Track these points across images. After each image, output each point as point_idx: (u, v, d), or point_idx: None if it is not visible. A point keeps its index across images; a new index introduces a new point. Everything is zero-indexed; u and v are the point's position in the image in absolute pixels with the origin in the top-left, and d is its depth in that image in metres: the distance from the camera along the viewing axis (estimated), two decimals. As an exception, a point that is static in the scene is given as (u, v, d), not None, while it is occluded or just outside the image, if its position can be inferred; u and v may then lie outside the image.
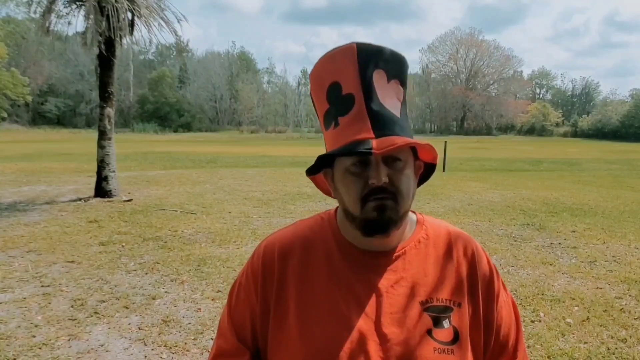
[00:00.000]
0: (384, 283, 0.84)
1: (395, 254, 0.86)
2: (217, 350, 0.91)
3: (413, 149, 0.85)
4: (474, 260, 0.89)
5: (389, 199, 0.78)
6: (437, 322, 0.83)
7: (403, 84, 0.84)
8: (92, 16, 7.67)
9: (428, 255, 0.88)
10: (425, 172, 0.90)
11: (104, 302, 3.74)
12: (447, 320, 0.83)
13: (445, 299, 0.85)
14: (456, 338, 0.83)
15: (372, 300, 0.83)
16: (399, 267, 0.85)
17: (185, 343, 3.11)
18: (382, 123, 0.78)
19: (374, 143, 0.75)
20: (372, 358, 0.79)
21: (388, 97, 0.80)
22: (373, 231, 0.80)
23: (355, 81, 0.79)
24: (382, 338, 0.80)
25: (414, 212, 0.92)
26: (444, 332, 0.82)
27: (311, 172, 0.88)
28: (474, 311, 0.87)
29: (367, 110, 0.78)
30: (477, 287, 0.88)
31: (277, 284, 0.86)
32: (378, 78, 0.80)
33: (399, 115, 0.81)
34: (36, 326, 3.28)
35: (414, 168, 0.85)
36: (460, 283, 0.87)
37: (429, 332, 0.81)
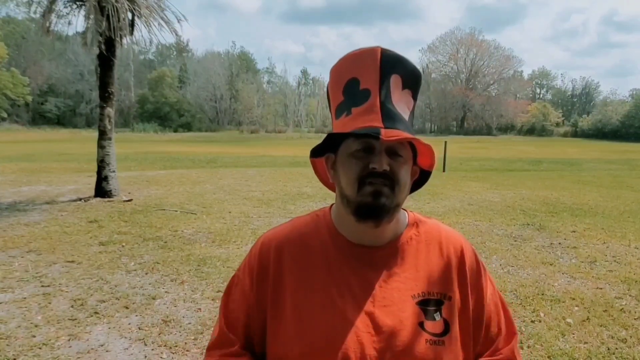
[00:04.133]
0: (377, 277, 0.87)
1: (388, 250, 0.90)
2: (211, 342, 0.95)
3: (413, 154, 0.88)
4: (462, 256, 0.93)
5: (386, 185, 0.82)
6: (428, 315, 0.86)
7: (414, 96, 0.89)
8: (92, 16, 7.67)
9: (419, 251, 0.91)
10: (420, 179, 0.94)
11: (104, 302, 3.74)
12: (438, 313, 0.87)
13: (436, 293, 0.88)
14: (447, 330, 0.86)
15: (367, 294, 0.86)
16: (392, 262, 0.89)
17: (185, 343, 3.11)
18: (391, 118, 0.82)
19: (382, 131, 0.79)
20: (366, 350, 0.82)
21: (400, 102, 0.85)
22: (366, 215, 0.83)
23: (374, 79, 0.84)
24: (376, 330, 0.83)
25: (406, 211, 0.96)
26: (435, 324, 0.86)
27: (315, 153, 0.91)
28: (463, 304, 0.90)
29: (380, 105, 0.82)
30: (466, 281, 0.91)
31: (273, 280, 0.89)
32: (395, 82, 0.85)
33: (406, 120, 0.85)
34: (36, 326, 3.28)
35: (411, 171, 0.88)
36: (450, 277, 0.90)
37: (421, 324, 0.85)
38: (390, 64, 0.84)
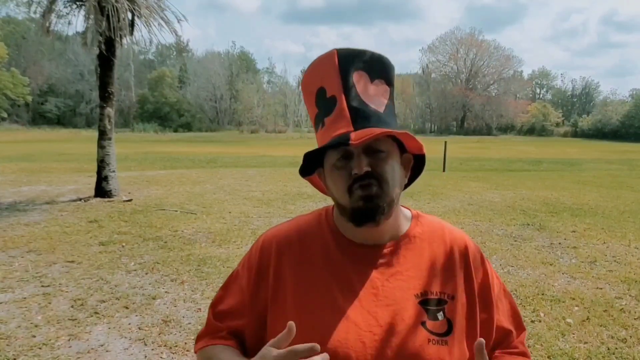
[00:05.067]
0: (379, 276, 0.87)
1: (390, 248, 0.89)
2: (199, 333, 0.98)
3: (399, 143, 0.87)
4: (467, 253, 0.92)
5: (373, 185, 0.81)
6: (431, 314, 0.85)
7: (389, 83, 0.88)
8: (92, 16, 7.67)
9: (423, 249, 0.91)
10: (418, 166, 0.93)
11: (104, 302, 3.74)
12: (441, 312, 0.86)
13: (439, 292, 0.87)
14: (450, 330, 0.85)
15: (368, 293, 0.85)
16: (394, 261, 0.88)
17: (185, 343, 3.11)
18: (362, 118, 0.81)
19: (352, 135, 0.78)
20: (368, 349, 0.81)
21: (371, 96, 0.84)
22: (362, 220, 0.83)
23: (337, 83, 0.83)
24: (378, 329, 0.83)
25: (408, 209, 0.96)
26: (438, 323, 0.85)
27: (304, 172, 0.92)
28: (470, 303, 0.89)
29: (347, 108, 0.82)
30: (472, 279, 0.91)
31: (273, 277, 0.89)
32: (359, 78, 0.84)
33: (382, 111, 0.84)
34: (36, 326, 3.28)
35: (402, 160, 0.88)
36: (453, 276, 0.89)
37: (423, 323, 0.84)
38: (348, 63, 0.83)
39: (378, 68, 0.86)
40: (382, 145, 0.83)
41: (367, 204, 0.81)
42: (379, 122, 0.82)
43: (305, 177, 0.94)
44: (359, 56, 0.84)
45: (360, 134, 0.78)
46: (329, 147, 0.82)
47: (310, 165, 0.90)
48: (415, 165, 0.93)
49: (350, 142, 0.77)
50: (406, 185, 0.92)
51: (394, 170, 0.84)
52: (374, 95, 0.84)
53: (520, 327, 0.97)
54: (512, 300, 0.98)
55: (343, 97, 0.82)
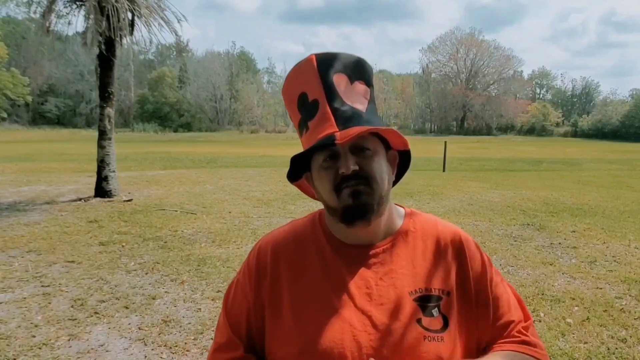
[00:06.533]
0: (373, 275, 0.87)
1: (383, 247, 0.89)
2: (215, 344, 0.94)
3: (384, 141, 0.88)
4: (462, 248, 0.92)
5: (361, 184, 0.82)
6: (426, 311, 0.85)
7: (368, 84, 0.89)
8: (92, 16, 7.67)
9: (416, 247, 0.91)
10: (404, 162, 0.94)
11: (104, 302, 3.74)
12: (436, 309, 0.86)
13: (434, 289, 0.87)
14: (445, 325, 0.85)
15: (363, 293, 0.86)
16: (387, 260, 0.89)
17: (185, 343, 3.11)
18: (345, 118, 0.82)
19: (337, 135, 0.79)
20: (364, 348, 0.81)
21: (352, 97, 0.85)
22: (353, 218, 0.83)
23: (318, 87, 0.84)
24: (374, 329, 0.83)
25: (402, 207, 0.96)
26: (434, 320, 0.85)
27: (292, 178, 0.93)
28: (466, 299, 0.89)
29: (330, 110, 0.83)
30: (468, 275, 0.90)
31: (270, 281, 0.89)
32: (339, 81, 0.85)
33: (364, 111, 0.85)
34: (36, 326, 3.28)
35: (388, 157, 0.89)
36: (448, 272, 0.89)
37: (418, 321, 0.84)
38: (327, 66, 0.84)
39: (357, 70, 0.87)
40: (367, 143, 0.84)
41: (356, 201, 0.82)
42: (362, 122, 0.82)
43: (293, 182, 0.95)
44: (337, 59, 0.86)
45: (345, 133, 0.79)
46: (316, 148, 0.82)
47: (298, 171, 0.91)
48: (401, 162, 0.94)
49: (336, 141, 0.78)
50: (394, 183, 0.92)
51: (381, 167, 0.85)
52: (355, 96, 0.85)
53: (524, 316, 0.94)
54: (513, 290, 0.97)
55: (325, 99, 0.83)
